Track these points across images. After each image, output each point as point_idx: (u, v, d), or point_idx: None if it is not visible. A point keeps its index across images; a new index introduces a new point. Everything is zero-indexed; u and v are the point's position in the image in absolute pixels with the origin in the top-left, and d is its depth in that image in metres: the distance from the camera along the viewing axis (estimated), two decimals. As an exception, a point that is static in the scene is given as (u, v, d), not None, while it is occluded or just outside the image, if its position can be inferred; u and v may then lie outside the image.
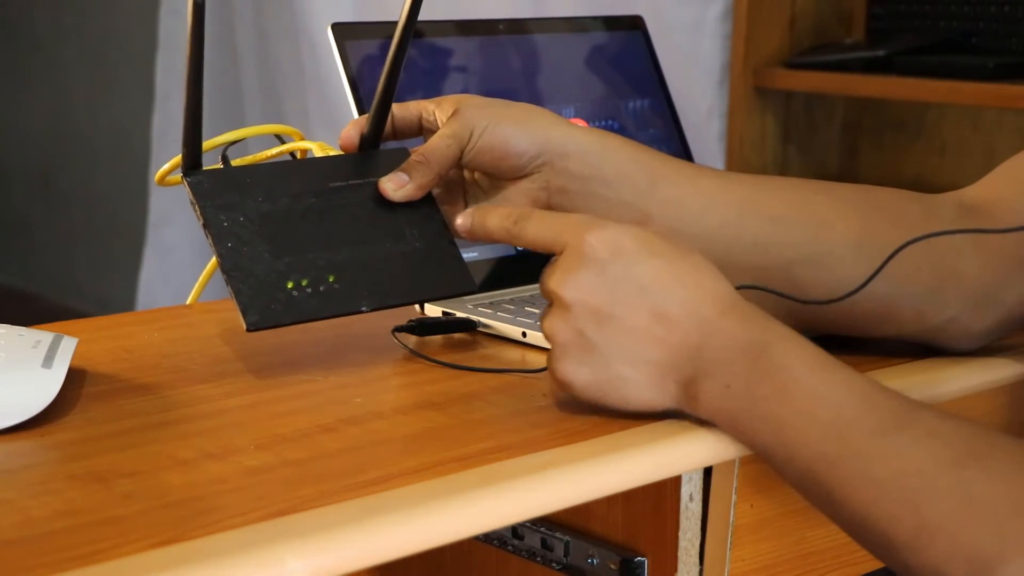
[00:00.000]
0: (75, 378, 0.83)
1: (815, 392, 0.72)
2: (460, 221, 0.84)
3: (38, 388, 0.77)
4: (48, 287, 4.02)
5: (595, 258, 0.75)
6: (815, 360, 0.73)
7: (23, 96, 4.09)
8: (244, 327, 0.82)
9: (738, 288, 0.77)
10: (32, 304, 3.91)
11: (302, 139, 0.97)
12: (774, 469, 0.74)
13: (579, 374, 0.76)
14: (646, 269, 0.75)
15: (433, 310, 0.97)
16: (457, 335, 0.95)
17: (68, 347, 0.82)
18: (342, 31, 1.01)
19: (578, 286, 0.75)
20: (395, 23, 0.88)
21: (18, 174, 4.13)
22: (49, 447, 0.73)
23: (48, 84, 3.98)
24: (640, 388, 0.75)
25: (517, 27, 1.12)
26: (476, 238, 0.84)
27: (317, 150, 0.94)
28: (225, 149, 0.90)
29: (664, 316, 0.74)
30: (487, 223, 0.82)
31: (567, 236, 0.77)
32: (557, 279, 0.76)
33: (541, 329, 0.78)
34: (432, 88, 1.07)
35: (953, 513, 0.68)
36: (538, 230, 0.79)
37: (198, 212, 0.85)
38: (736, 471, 0.81)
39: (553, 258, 0.78)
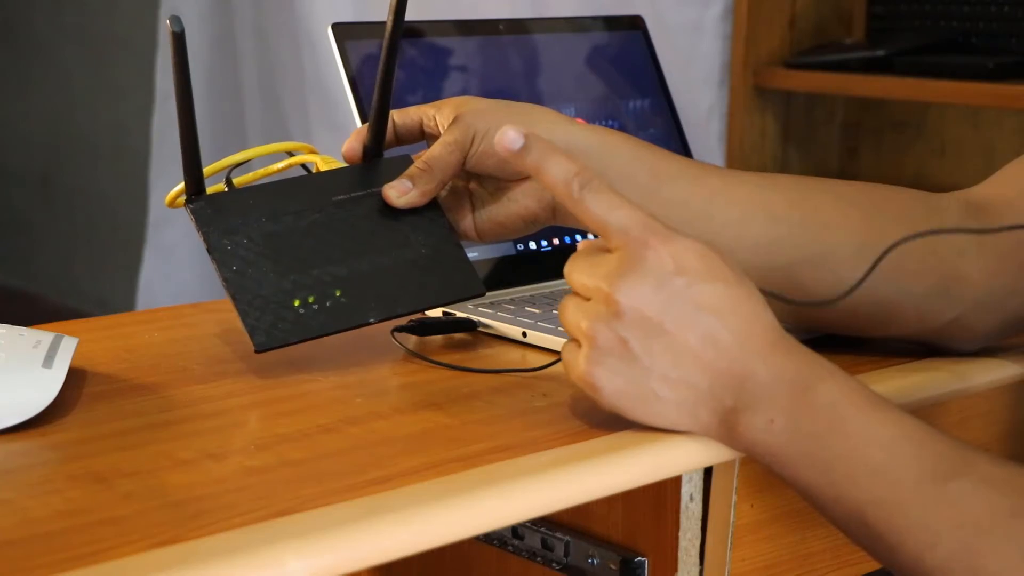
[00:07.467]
0: (75, 378, 0.83)
1: (864, 433, 0.70)
2: (511, 137, 0.74)
3: (38, 388, 0.77)
4: (48, 287, 4.01)
5: (658, 269, 0.71)
6: (862, 398, 0.71)
7: (23, 96, 4.09)
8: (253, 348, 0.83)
9: None
10: (32, 304, 3.90)
11: (312, 152, 0.95)
12: (816, 507, 0.73)
13: (611, 382, 0.72)
14: (705, 291, 0.71)
15: (433, 310, 0.97)
16: (457, 335, 0.95)
17: (68, 347, 0.82)
18: (342, 31, 1.01)
19: (636, 293, 0.71)
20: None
21: (18, 174, 4.13)
22: (49, 447, 0.73)
23: (48, 84, 3.98)
24: (671, 409, 0.73)
25: (517, 27, 1.12)
26: (535, 173, 0.74)
27: (321, 164, 0.93)
28: (230, 171, 0.89)
29: (715, 341, 0.71)
30: (549, 170, 0.73)
31: (632, 233, 0.72)
32: (612, 280, 0.72)
33: (563, 320, 0.74)
34: (432, 88, 1.07)
35: (1009, 565, 0.67)
36: (601, 211, 0.72)
37: (202, 238, 0.85)
38: (736, 471, 0.80)
39: (605, 253, 0.73)
